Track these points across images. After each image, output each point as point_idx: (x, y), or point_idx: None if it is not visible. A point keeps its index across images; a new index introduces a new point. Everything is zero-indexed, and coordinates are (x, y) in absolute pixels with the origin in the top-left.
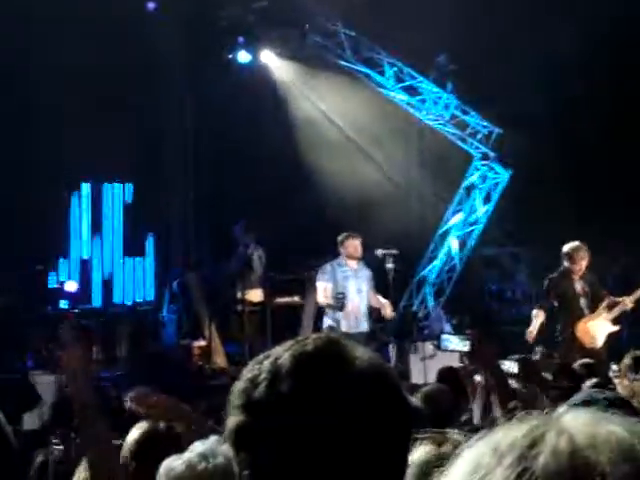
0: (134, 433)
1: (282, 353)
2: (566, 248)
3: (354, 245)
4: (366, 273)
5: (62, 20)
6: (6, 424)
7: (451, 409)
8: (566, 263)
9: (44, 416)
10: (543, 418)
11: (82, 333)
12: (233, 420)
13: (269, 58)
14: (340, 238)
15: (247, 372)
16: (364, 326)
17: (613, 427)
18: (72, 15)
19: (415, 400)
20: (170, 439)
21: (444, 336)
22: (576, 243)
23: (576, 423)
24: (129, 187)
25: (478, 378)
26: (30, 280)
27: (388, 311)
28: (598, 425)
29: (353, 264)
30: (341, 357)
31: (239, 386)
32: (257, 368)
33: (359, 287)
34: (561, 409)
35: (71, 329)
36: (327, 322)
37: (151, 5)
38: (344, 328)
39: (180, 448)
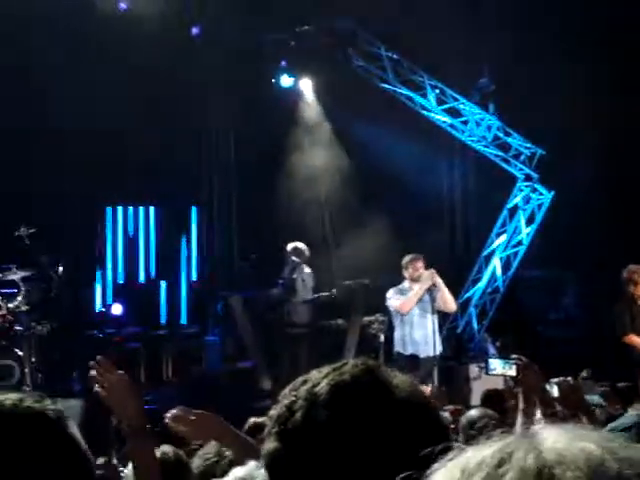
0: None
1: (319, 380)
2: (625, 273)
3: (418, 267)
4: (427, 296)
5: (107, 46)
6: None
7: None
8: (629, 288)
9: None
10: (515, 437)
11: (123, 356)
12: (269, 446)
13: (307, 87)
14: (405, 261)
15: (283, 398)
16: (433, 350)
17: (585, 444)
18: (116, 38)
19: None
20: (178, 467)
21: (490, 360)
22: (633, 266)
23: (547, 441)
24: (165, 210)
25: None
26: (76, 303)
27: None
28: (570, 442)
29: (416, 287)
30: (378, 386)
31: (275, 412)
32: (293, 395)
33: (424, 310)
34: (535, 428)
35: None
36: (395, 347)
37: (196, 30)
38: (410, 352)
39: (189, 477)
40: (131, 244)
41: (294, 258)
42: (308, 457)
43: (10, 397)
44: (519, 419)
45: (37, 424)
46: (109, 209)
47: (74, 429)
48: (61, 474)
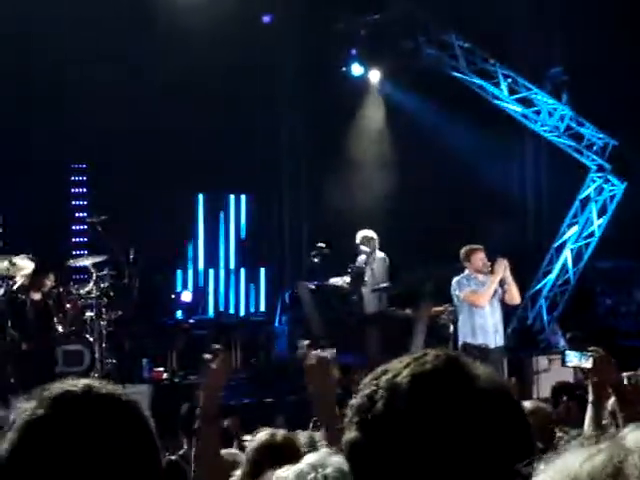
0: (253, 442)
1: (400, 370)
2: None
3: (481, 258)
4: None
5: (182, 33)
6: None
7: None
8: None
9: None
10: (614, 442)
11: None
12: (349, 436)
13: (376, 77)
14: (464, 252)
15: (364, 387)
16: (501, 340)
17: None
18: (184, 26)
19: None
20: (287, 450)
21: (567, 352)
22: None
23: None
24: (245, 198)
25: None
26: (147, 290)
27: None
28: None
29: (481, 277)
30: (460, 377)
31: (356, 402)
32: (374, 384)
33: (494, 299)
34: (626, 429)
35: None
36: (463, 337)
37: (266, 18)
38: (480, 342)
39: (296, 459)
40: (208, 232)
41: (363, 247)
42: (389, 447)
43: (81, 382)
44: (589, 413)
45: (114, 408)
46: (194, 196)
47: (147, 414)
48: (134, 457)
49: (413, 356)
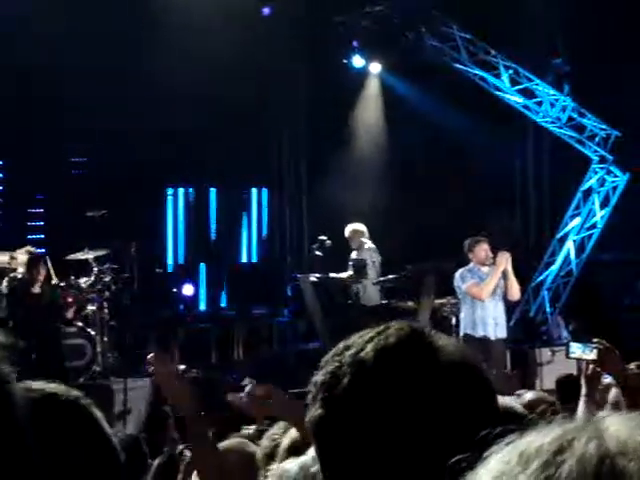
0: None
1: (363, 345)
2: None
3: (485, 250)
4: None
5: (181, 28)
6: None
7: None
8: None
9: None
10: (577, 423)
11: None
12: (314, 413)
13: (377, 68)
14: (468, 244)
15: (327, 364)
16: (502, 333)
17: None
18: (185, 22)
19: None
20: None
21: (571, 343)
22: None
23: (610, 429)
24: (246, 194)
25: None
26: (149, 283)
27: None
28: (633, 431)
29: (485, 269)
30: (425, 349)
31: (319, 379)
32: (337, 360)
33: (495, 291)
34: (601, 414)
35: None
36: (463, 329)
37: (266, 10)
38: (481, 334)
39: None
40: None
41: (363, 239)
42: (356, 423)
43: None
44: (581, 406)
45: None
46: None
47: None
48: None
49: (375, 330)
